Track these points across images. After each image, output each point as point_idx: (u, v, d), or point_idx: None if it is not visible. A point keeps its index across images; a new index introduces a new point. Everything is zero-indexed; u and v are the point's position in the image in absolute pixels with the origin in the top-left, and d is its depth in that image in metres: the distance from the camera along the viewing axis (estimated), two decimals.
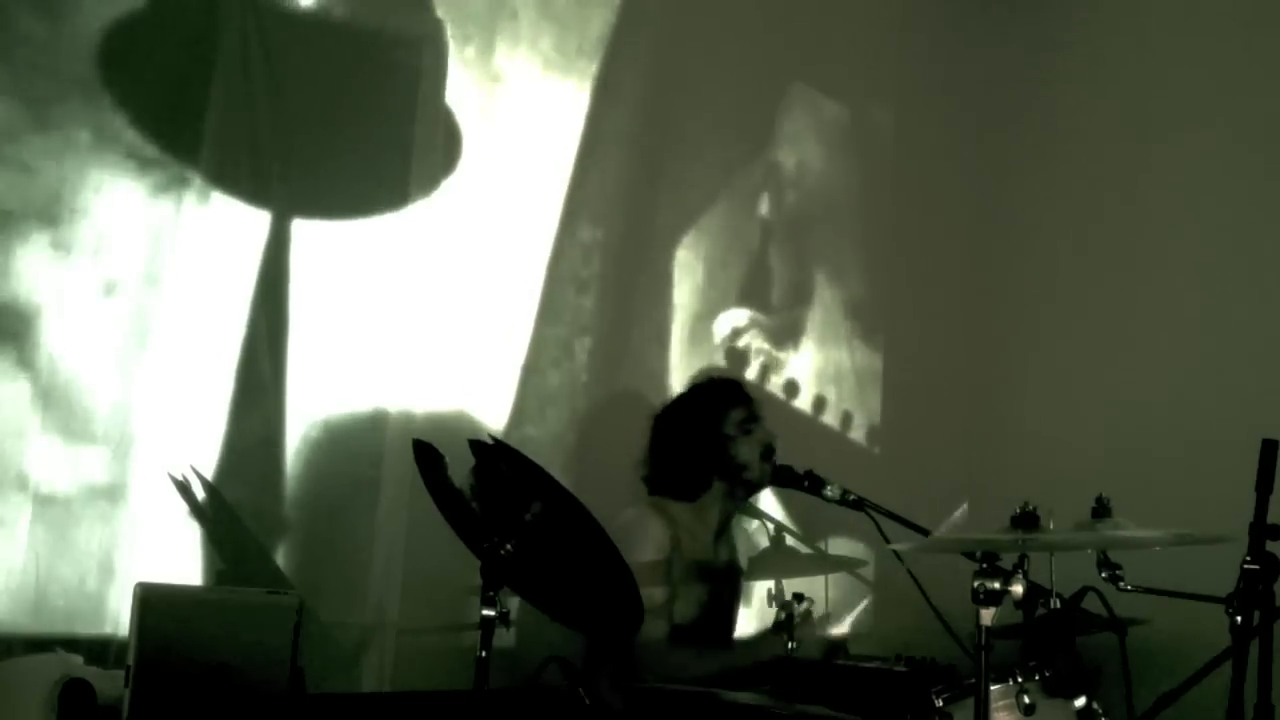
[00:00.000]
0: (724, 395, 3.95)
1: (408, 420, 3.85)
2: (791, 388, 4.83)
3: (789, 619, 3.47)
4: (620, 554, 2.86)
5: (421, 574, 3.79)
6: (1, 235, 3.38)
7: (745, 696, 3.14)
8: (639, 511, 3.81)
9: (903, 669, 3.57)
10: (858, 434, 4.99)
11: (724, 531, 3.99)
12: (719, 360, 4.65)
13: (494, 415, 4.09)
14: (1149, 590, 3.02)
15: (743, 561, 4.09)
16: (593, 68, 4.43)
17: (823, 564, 4.21)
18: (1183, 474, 4.13)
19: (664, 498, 3.86)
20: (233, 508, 3.63)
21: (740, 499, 3.98)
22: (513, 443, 2.92)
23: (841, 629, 4.45)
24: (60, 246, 3.45)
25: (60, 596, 3.34)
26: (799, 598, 3.54)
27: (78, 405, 3.43)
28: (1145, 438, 4.40)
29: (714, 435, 3.87)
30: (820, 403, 4.92)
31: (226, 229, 3.69)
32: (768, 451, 3.90)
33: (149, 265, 3.56)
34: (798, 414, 4.78)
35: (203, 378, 3.62)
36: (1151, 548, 2.89)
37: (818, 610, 3.64)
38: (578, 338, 4.36)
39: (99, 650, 3.24)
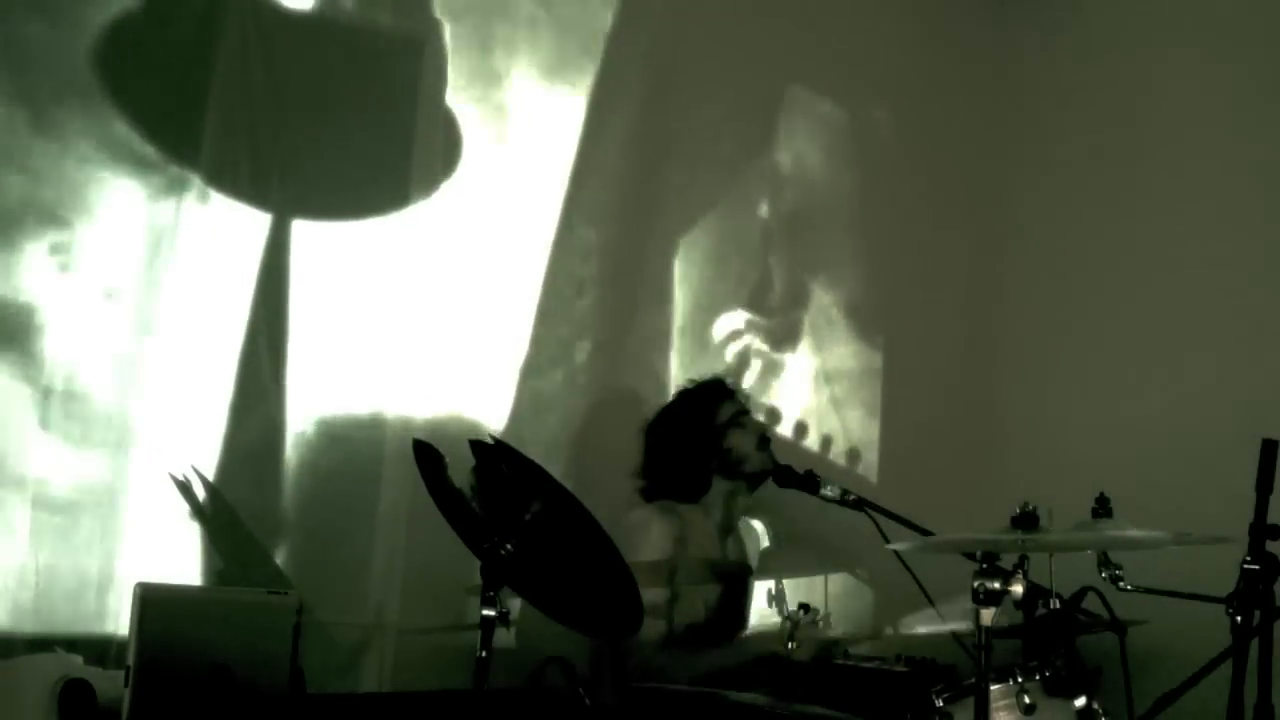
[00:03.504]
0: (710, 393, 4.01)
1: (407, 421, 3.85)
2: (790, 387, 4.82)
3: (794, 629, 3.49)
4: (620, 554, 2.86)
5: (421, 574, 3.79)
6: (1, 236, 3.38)
7: (745, 696, 3.14)
8: (646, 512, 3.81)
9: (903, 669, 3.57)
10: (857, 433, 4.98)
11: (732, 530, 4.00)
12: (719, 362, 4.64)
13: (493, 416, 4.09)
14: (1149, 590, 3.02)
15: (752, 560, 4.10)
16: (593, 68, 4.43)
17: (823, 564, 4.21)
18: (1183, 474, 4.13)
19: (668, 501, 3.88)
20: (233, 508, 3.62)
21: (749, 491, 3.98)
22: (512, 443, 2.92)
23: (841, 629, 4.44)
24: (60, 248, 3.45)
25: (60, 596, 3.34)
26: (805, 608, 3.56)
27: (78, 406, 3.44)
28: (1145, 438, 4.39)
29: (707, 432, 3.91)
30: (819, 403, 4.91)
31: (226, 230, 3.69)
32: (764, 441, 3.96)
33: (149, 266, 3.56)
34: (795, 414, 4.78)
35: (203, 378, 3.62)
36: (1151, 548, 2.89)
37: (819, 615, 3.64)
38: (577, 339, 4.36)
39: (99, 650, 3.23)
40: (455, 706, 3.26)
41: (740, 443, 3.92)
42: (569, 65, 4.39)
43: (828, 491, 3.82)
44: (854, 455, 4.90)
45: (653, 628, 3.47)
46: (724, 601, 3.87)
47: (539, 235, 4.28)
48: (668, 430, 3.97)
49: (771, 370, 4.79)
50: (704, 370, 4.47)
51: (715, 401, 3.96)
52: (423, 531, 3.51)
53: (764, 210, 4.90)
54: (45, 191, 3.44)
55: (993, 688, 2.78)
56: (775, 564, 4.13)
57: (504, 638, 2.90)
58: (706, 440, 3.90)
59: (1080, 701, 3.07)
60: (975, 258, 5.25)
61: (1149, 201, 4.70)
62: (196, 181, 3.63)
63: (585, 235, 4.38)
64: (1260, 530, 2.66)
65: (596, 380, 4.38)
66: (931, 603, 3.50)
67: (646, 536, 3.70)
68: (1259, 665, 2.59)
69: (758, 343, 4.80)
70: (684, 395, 4.07)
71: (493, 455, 2.83)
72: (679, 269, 4.64)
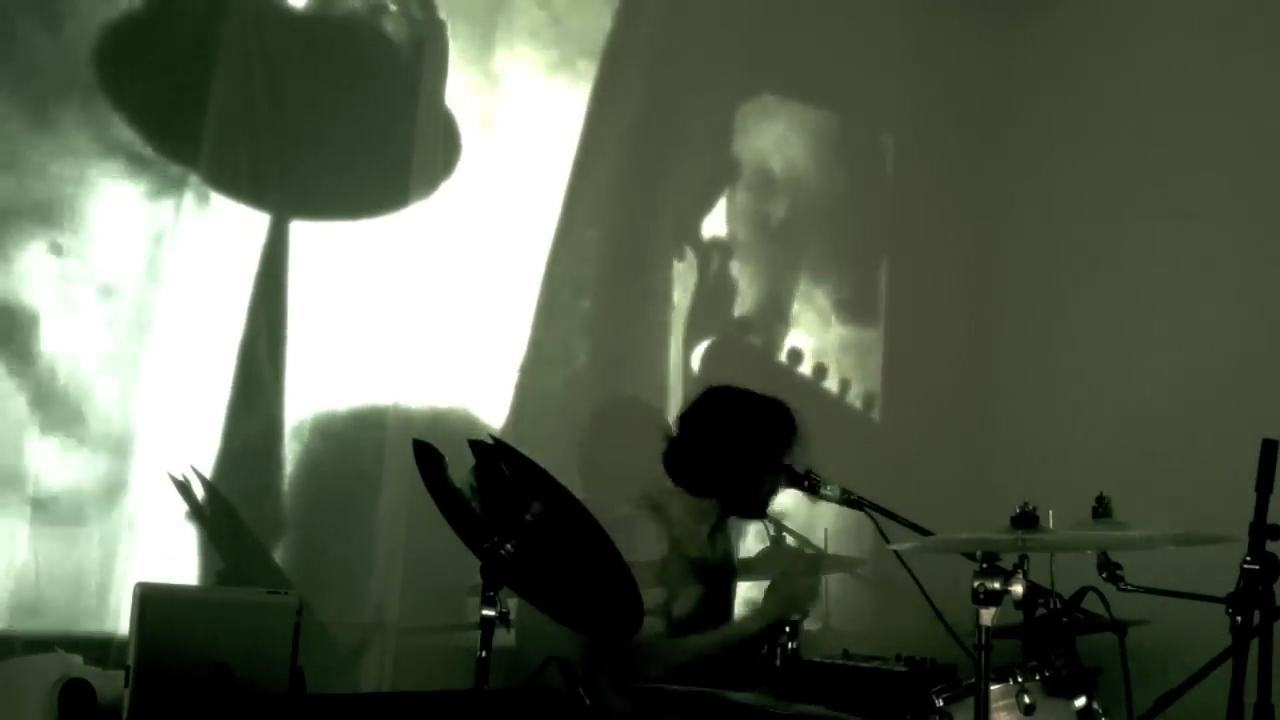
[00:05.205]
0: (780, 431, 3.83)
1: (407, 420, 3.84)
2: (785, 388, 4.81)
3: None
4: (620, 554, 2.86)
5: (421, 574, 3.79)
6: (0, 236, 3.39)
7: (745, 696, 3.13)
8: (632, 511, 3.79)
9: (903, 669, 3.57)
10: (857, 434, 4.98)
11: (719, 527, 3.99)
12: (718, 360, 4.64)
13: (493, 416, 4.09)
14: (1149, 590, 3.02)
15: (735, 558, 4.09)
16: (593, 68, 4.43)
17: (822, 564, 4.20)
18: (1183, 474, 4.13)
19: (665, 491, 3.87)
20: (233, 507, 3.63)
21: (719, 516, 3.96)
22: (512, 443, 2.92)
23: (839, 627, 4.44)
24: (59, 248, 3.45)
25: (60, 596, 3.34)
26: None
27: (77, 406, 3.44)
28: (1145, 438, 4.39)
29: (746, 462, 3.77)
30: (817, 403, 4.91)
31: (226, 230, 3.69)
32: (767, 497, 3.88)
33: (148, 266, 3.56)
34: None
35: (202, 378, 3.62)
36: (1151, 548, 2.90)
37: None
38: (576, 339, 4.36)
39: (99, 650, 3.23)
40: (455, 706, 3.26)
41: (760, 490, 3.82)
42: (569, 65, 4.39)
43: (828, 491, 3.81)
44: (852, 452, 4.88)
45: (650, 627, 3.47)
46: (709, 599, 3.86)
47: (539, 236, 4.28)
48: (720, 426, 3.79)
49: (766, 368, 4.79)
50: (705, 366, 4.50)
51: (776, 443, 3.78)
52: (423, 531, 3.51)
53: (764, 211, 4.90)
54: (44, 191, 3.44)
55: (993, 688, 2.77)
56: (768, 565, 4.12)
57: (504, 638, 2.89)
58: (738, 466, 3.76)
59: (1080, 701, 3.08)
60: (974, 255, 5.25)
61: (1149, 201, 4.70)
62: (196, 181, 3.63)
63: (585, 236, 4.37)
64: (1260, 530, 2.67)
65: (596, 380, 4.38)
66: (931, 604, 3.49)
67: (635, 537, 3.67)
68: (1259, 665, 2.59)
69: (756, 342, 4.80)
70: (763, 407, 3.86)
71: (493, 455, 2.83)
72: (678, 268, 4.64)
